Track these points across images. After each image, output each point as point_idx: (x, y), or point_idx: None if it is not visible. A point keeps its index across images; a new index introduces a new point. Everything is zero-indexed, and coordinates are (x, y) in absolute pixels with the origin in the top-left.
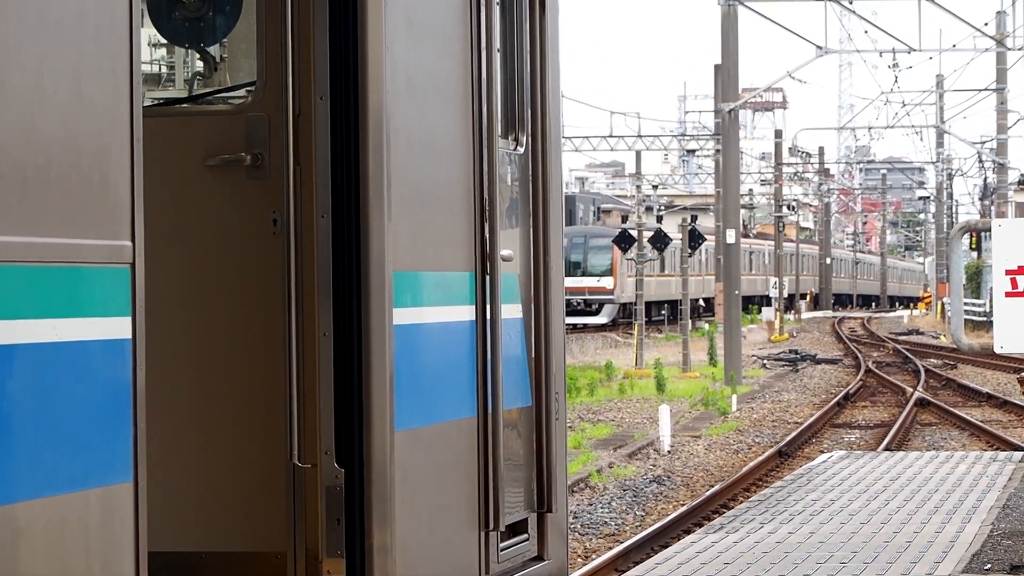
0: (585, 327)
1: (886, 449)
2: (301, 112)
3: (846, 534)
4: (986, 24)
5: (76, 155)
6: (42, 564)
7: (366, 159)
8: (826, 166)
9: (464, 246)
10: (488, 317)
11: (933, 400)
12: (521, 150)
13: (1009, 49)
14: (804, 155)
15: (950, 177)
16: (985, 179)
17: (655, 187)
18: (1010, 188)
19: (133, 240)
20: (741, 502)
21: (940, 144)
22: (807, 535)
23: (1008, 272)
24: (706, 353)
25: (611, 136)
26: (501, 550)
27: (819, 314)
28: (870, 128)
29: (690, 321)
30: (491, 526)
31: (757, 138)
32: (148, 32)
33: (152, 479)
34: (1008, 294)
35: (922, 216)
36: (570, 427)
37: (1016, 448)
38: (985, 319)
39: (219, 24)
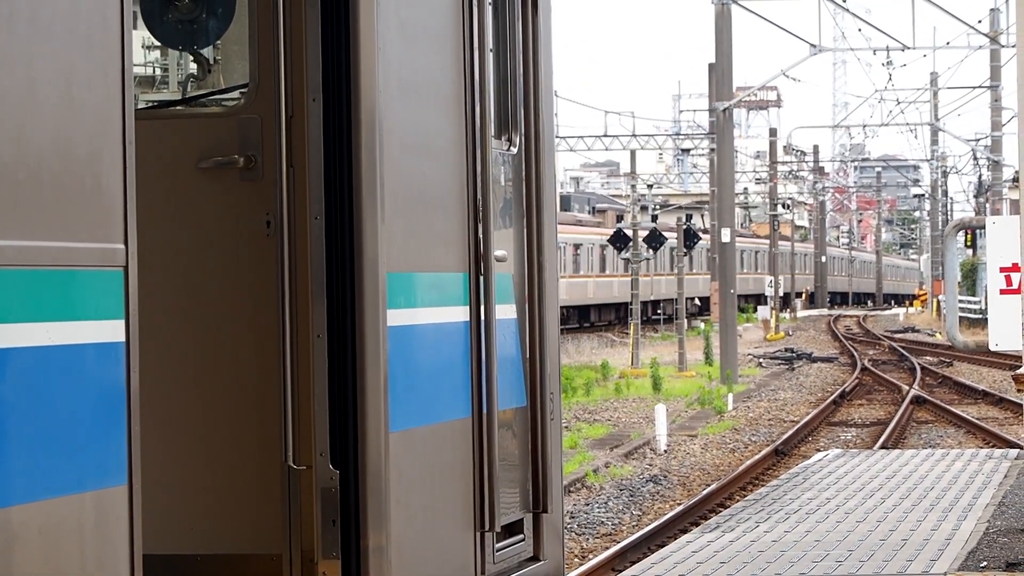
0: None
1: (882, 447)
2: (294, 114)
3: (842, 532)
4: (979, 21)
5: (68, 158)
6: (37, 568)
7: (359, 160)
8: (821, 164)
9: (458, 247)
10: (482, 317)
11: (929, 398)
12: (514, 150)
13: (1003, 46)
14: (799, 153)
15: (945, 175)
16: (980, 176)
17: (650, 186)
18: (1005, 185)
19: (126, 243)
20: (737, 501)
21: (935, 142)
22: (803, 533)
23: (1002, 269)
24: (702, 352)
25: (606, 136)
26: (497, 551)
27: (815, 312)
28: (864, 126)
29: (686, 320)
30: (487, 527)
31: (752, 137)
32: (142, 34)
33: (147, 482)
34: (1002, 291)
35: (917, 214)
36: (566, 427)
37: (1012, 445)
38: (980, 316)
39: (212, 26)
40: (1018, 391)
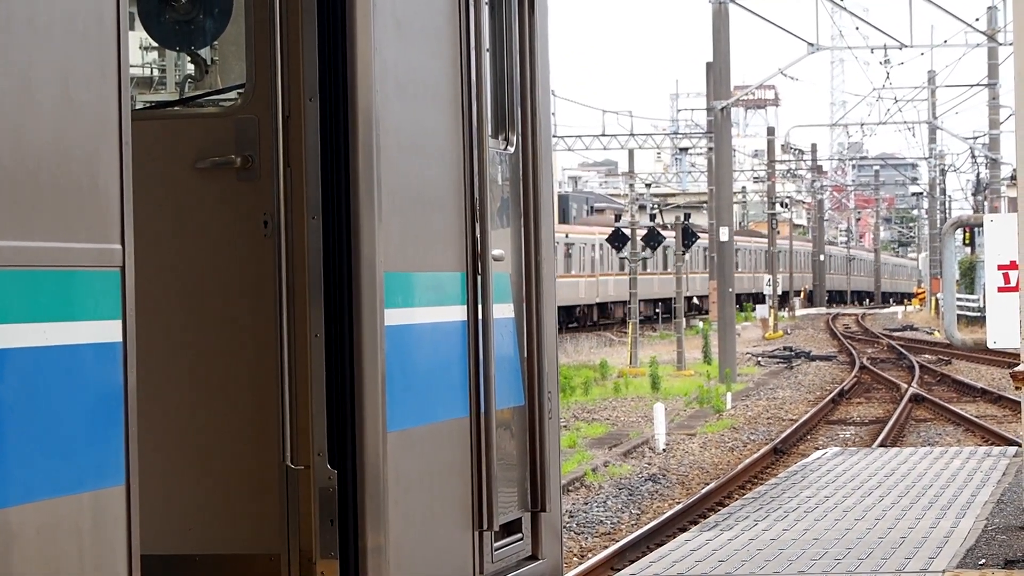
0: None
1: (881, 445)
2: (291, 114)
3: (841, 530)
4: (977, 20)
5: (65, 159)
6: (35, 568)
7: (356, 160)
8: (819, 163)
9: (455, 246)
10: (480, 317)
11: (927, 396)
12: (511, 150)
13: (1000, 44)
14: (797, 152)
15: (943, 173)
16: (978, 174)
17: (648, 185)
18: (1003, 183)
19: (123, 243)
20: (736, 499)
21: (932, 140)
22: (802, 532)
23: (1000, 267)
24: (700, 351)
25: (604, 135)
26: (495, 550)
27: (813, 311)
28: (862, 124)
29: (684, 319)
30: (485, 526)
31: (750, 135)
32: (139, 35)
33: (145, 482)
34: (1000, 289)
35: (915, 212)
36: (565, 426)
37: (1010, 443)
38: (979, 314)
39: (209, 27)
40: (1016, 389)
